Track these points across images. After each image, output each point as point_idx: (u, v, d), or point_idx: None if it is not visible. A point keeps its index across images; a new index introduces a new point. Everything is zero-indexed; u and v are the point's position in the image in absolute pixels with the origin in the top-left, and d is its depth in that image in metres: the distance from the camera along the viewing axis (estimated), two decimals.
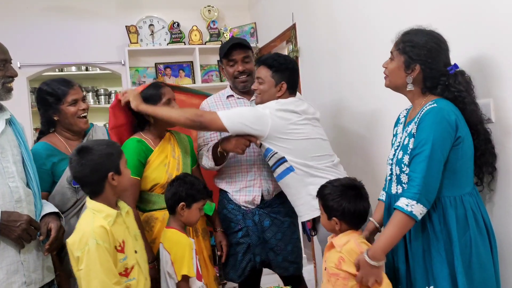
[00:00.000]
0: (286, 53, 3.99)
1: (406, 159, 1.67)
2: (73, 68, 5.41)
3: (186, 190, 2.01)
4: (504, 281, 1.68)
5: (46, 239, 1.75)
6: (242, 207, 2.37)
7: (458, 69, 1.66)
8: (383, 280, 1.64)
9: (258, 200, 2.35)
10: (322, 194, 1.80)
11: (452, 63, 1.68)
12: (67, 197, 2.03)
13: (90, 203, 1.71)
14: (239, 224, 2.37)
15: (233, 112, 2.15)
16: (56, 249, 1.79)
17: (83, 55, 4.25)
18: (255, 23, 4.45)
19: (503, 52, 1.67)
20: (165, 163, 2.23)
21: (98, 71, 5.30)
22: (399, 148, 1.73)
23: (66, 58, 4.21)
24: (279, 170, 2.14)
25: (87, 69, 5.47)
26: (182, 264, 1.92)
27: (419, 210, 1.54)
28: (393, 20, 2.25)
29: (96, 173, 1.68)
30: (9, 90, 1.77)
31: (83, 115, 2.12)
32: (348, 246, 1.69)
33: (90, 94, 5.59)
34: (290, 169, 2.11)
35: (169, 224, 2.05)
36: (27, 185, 1.79)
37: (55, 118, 2.09)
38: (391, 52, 1.75)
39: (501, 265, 1.67)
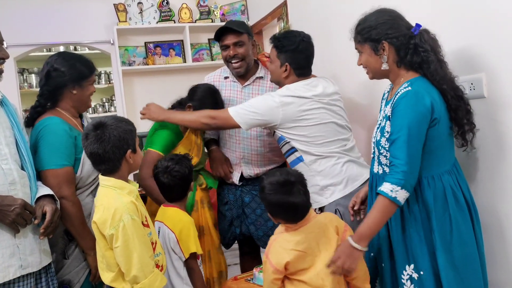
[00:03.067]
0: (277, 30, 3.96)
1: (383, 141, 1.68)
2: (61, 48, 5.30)
3: (186, 171, 2.03)
4: (488, 252, 1.72)
5: (42, 222, 1.72)
6: (228, 183, 2.58)
7: (421, 28, 1.65)
8: (360, 269, 1.64)
9: (236, 181, 2.55)
10: (259, 189, 1.76)
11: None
12: (89, 173, 2.00)
13: (108, 180, 1.66)
14: (225, 197, 2.59)
15: (244, 108, 2.12)
16: (52, 233, 1.77)
17: (71, 34, 4.17)
18: (245, 0, 4.39)
19: (496, 26, 1.67)
20: (189, 148, 2.38)
21: (87, 50, 5.22)
22: (378, 129, 1.74)
23: (54, 37, 4.13)
24: (290, 159, 2.18)
25: (75, 49, 5.38)
26: (189, 242, 1.94)
27: (403, 195, 1.55)
28: None
29: (117, 150, 1.62)
30: (0, 72, 1.74)
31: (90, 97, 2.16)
32: (270, 244, 1.72)
33: None
34: (299, 159, 2.13)
35: (167, 203, 2.06)
36: (22, 167, 1.76)
37: (74, 92, 2.02)
38: (356, 49, 1.77)
39: (485, 237, 1.71)
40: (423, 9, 2.00)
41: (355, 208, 1.95)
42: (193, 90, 2.45)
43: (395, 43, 1.65)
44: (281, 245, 1.66)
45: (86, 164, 1.96)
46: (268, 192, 1.66)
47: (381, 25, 1.65)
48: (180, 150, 2.34)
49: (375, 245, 1.78)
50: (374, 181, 1.78)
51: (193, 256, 1.97)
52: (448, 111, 1.64)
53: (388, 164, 1.67)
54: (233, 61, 2.43)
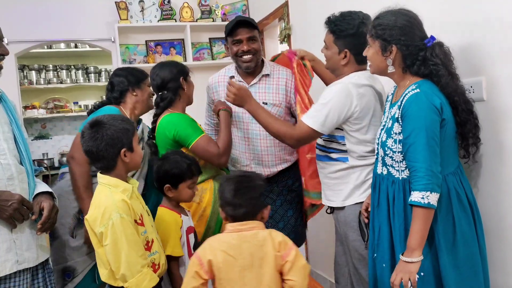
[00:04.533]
0: (278, 31, 3.96)
1: (390, 142, 1.67)
2: (62, 45, 5.33)
3: (170, 170, 1.95)
4: (489, 252, 1.72)
5: (39, 219, 1.73)
6: None
7: (435, 41, 1.64)
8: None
9: None
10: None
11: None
12: None
13: (104, 178, 1.68)
14: None
15: (322, 114, 1.87)
16: (49, 229, 1.77)
17: (72, 31, 4.18)
18: (247, 0, 4.39)
19: (496, 30, 1.67)
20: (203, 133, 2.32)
21: (88, 48, 5.24)
22: (384, 129, 1.73)
23: (54, 34, 4.14)
24: (326, 154, 2.02)
25: (76, 46, 5.39)
26: (167, 244, 1.89)
27: (434, 198, 1.53)
28: None
29: (110, 148, 1.64)
30: (0, 68, 1.74)
31: (151, 98, 2.44)
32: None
33: (79, 71, 5.52)
34: (343, 160, 1.97)
35: (162, 203, 2.04)
36: (20, 163, 1.76)
37: (134, 94, 2.34)
38: (367, 40, 1.74)
39: (486, 237, 1.70)
40: (423, 13, 2.00)
41: (369, 209, 1.90)
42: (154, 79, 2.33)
43: (403, 51, 1.64)
44: (211, 243, 1.60)
45: None
46: (222, 180, 1.70)
47: (397, 29, 1.63)
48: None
49: (376, 245, 1.78)
50: (377, 181, 1.77)
51: (172, 259, 1.90)
52: (454, 117, 1.64)
53: (393, 165, 1.68)
54: (244, 56, 2.38)
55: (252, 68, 2.42)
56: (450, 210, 1.61)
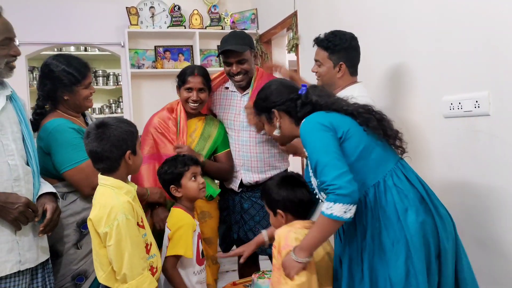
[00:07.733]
0: (286, 41, 3.99)
1: None
2: (72, 48, 5.38)
3: (166, 171, 2.05)
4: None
5: (42, 220, 1.74)
6: (228, 188, 2.60)
7: (308, 87, 1.75)
8: (299, 277, 1.63)
9: (236, 188, 2.57)
10: (264, 191, 1.87)
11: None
12: None
13: (106, 180, 1.69)
14: (225, 203, 2.62)
15: None
16: (50, 231, 1.79)
17: (83, 35, 4.23)
18: (256, 9, 4.43)
19: (502, 44, 1.68)
20: (193, 129, 2.45)
21: (97, 52, 5.28)
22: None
23: (65, 37, 4.19)
24: None
25: (85, 50, 5.44)
26: (179, 243, 1.93)
27: (339, 208, 1.49)
28: (394, 8, 2.26)
29: (116, 149, 1.66)
30: (12, 68, 1.75)
31: (91, 97, 2.12)
32: (279, 233, 1.73)
33: None
34: None
35: (176, 204, 2.09)
36: (27, 163, 1.78)
37: (65, 98, 2.03)
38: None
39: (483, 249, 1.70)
40: (429, 27, 2.02)
41: None
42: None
43: (282, 109, 1.74)
44: (295, 235, 1.68)
45: None
46: (275, 188, 1.79)
47: (270, 95, 1.76)
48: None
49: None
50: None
51: (173, 258, 1.93)
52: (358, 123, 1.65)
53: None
54: (235, 77, 2.49)
55: (243, 85, 2.54)
56: (404, 208, 1.55)
